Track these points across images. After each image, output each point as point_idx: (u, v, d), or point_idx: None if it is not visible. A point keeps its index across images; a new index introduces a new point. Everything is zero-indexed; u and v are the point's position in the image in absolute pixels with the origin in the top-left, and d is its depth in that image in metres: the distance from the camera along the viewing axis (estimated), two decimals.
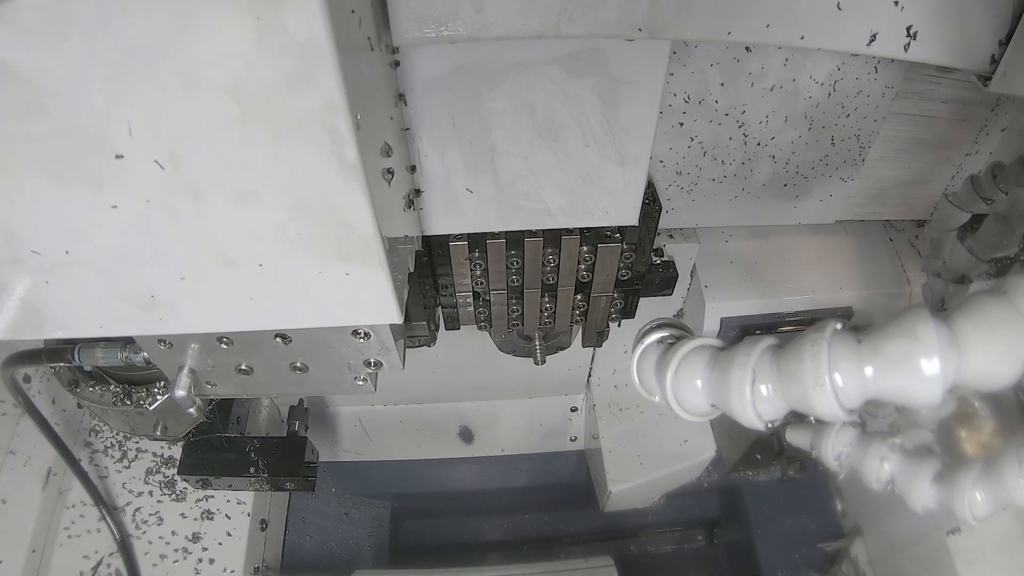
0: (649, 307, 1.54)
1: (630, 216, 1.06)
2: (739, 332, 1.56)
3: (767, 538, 1.97)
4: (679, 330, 0.89)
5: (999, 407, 1.46)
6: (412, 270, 0.89)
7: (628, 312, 1.37)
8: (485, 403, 2.01)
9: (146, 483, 1.56)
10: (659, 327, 0.89)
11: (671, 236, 1.48)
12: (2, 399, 1.46)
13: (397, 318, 0.76)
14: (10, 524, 1.39)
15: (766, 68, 1.21)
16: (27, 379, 1.41)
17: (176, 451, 1.60)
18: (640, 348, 0.88)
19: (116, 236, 0.63)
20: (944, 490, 0.93)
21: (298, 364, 0.95)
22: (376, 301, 0.73)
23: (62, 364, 1.11)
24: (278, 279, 0.69)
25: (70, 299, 0.70)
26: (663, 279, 1.43)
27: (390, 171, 0.73)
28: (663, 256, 1.46)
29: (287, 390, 1.01)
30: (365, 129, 0.60)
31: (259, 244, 0.65)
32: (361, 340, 0.90)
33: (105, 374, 1.20)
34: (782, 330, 1.56)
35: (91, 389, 1.19)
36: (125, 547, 1.47)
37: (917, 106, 1.34)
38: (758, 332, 1.55)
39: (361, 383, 0.99)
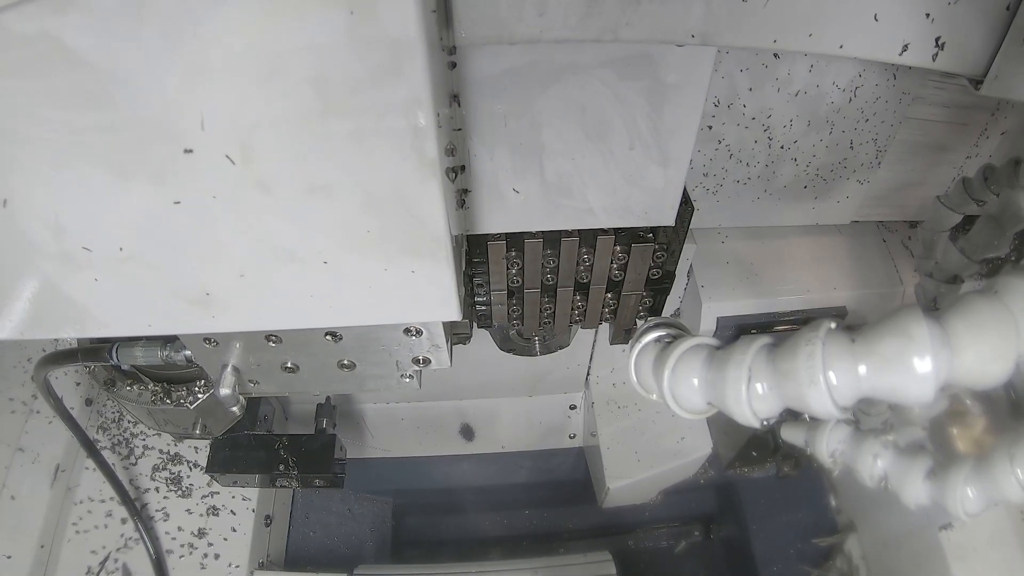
0: None
1: (667, 216, 1.07)
2: (735, 331, 1.58)
3: (762, 534, 1.98)
4: (676, 329, 0.89)
5: (990, 405, 1.48)
6: (464, 268, 0.88)
7: (656, 310, 1.37)
8: (485, 401, 2.02)
9: (152, 479, 1.58)
10: (656, 326, 0.89)
11: None
12: (11, 397, 1.48)
13: (457, 315, 0.75)
14: (19, 520, 1.40)
15: (792, 74, 1.25)
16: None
17: (182, 448, 1.62)
18: (638, 347, 0.88)
19: (176, 232, 0.61)
20: (936, 486, 0.93)
21: (346, 362, 0.94)
22: (438, 298, 0.72)
23: (98, 363, 1.09)
24: (342, 276, 0.68)
25: (119, 297, 0.68)
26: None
27: (454, 170, 0.72)
28: None
29: (331, 388, 1.00)
30: (441, 126, 0.59)
31: (326, 240, 0.64)
32: (413, 337, 0.90)
33: (142, 373, 1.19)
34: (777, 329, 1.57)
35: (128, 388, 1.17)
36: (159, 563, 1.49)
37: (921, 111, 1.37)
38: (754, 331, 1.57)
39: (407, 380, 0.98)
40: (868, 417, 1.32)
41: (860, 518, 1.89)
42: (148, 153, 0.55)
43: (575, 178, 0.99)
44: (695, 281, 1.55)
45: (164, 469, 1.58)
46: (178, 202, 0.59)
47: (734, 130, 1.34)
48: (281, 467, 1.47)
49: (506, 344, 1.60)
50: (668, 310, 1.66)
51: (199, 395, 1.17)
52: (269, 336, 0.90)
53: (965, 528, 1.48)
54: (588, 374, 1.94)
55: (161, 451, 1.61)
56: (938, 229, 1.25)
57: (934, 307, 1.30)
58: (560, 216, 1.05)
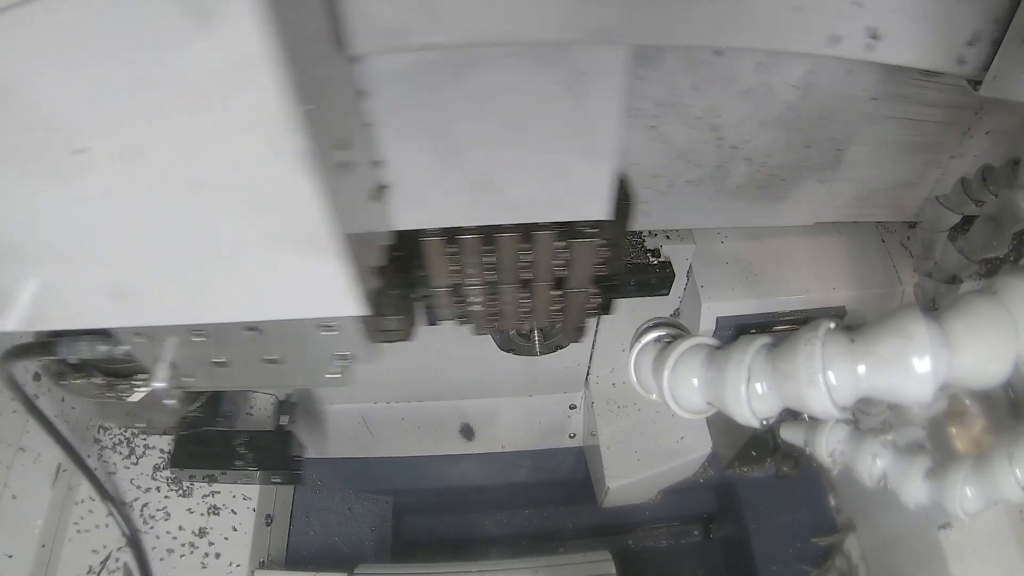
0: (646, 307, 1.56)
1: (600, 210, 1.04)
2: (735, 331, 1.58)
3: (762, 533, 1.98)
4: (676, 329, 0.89)
5: (989, 405, 1.48)
6: (383, 264, 0.88)
7: (606, 308, 1.36)
8: (485, 401, 2.02)
9: (153, 479, 1.58)
10: (656, 326, 0.90)
11: (668, 237, 1.50)
12: (13, 396, 1.48)
13: (360, 311, 0.76)
14: (20, 519, 1.40)
15: (738, 72, 1.19)
16: (37, 376, 1.43)
17: None
18: (637, 347, 0.88)
19: (85, 229, 0.64)
20: (935, 486, 0.94)
21: (271, 357, 0.95)
22: (336, 293, 0.73)
23: (50, 357, 1.10)
24: (240, 271, 0.69)
25: (45, 293, 0.70)
26: (660, 279, 1.44)
27: (348, 164, 0.72)
28: (660, 257, 1.47)
29: (263, 383, 1.01)
30: (316, 120, 0.59)
31: (219, 235, 0.66)
32: (330, 333, 0.90)
33: (96, 367, 1.19)
34: (777, 329, 1.57)
35: (76, 381, 1.18)
36: (134, 541, 1.49)
37: (903, 109, 1.34)
38: (753, 331, 1.57)
39: (334, 376, 0.98)
40: (867, 417, 1.33)
41: (859, 517, 1.90)
42: (49, 154, 0.57)
43: (496, 171, 0.97)
44: (694, 281, 1.56)
45: (165, 468, 1.59)
46: (81, 200, 0.61)
47: (680, 130, 1.27)
48: (239, 463, 1.50)
49: (506, 344, 1.60)
50: (667, 310, 1.67)
51: (139, 389, 1.18)
52: (194, 330, 0.90)
53: (964, 527, 1.48)
54: (588, 374, 1.94)
55: (162, 451, 1.61)
56: (937, 229, 1.25)
57: (933, 307, 1.30)
58: (485, 211, 1.03)
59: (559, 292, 1.26)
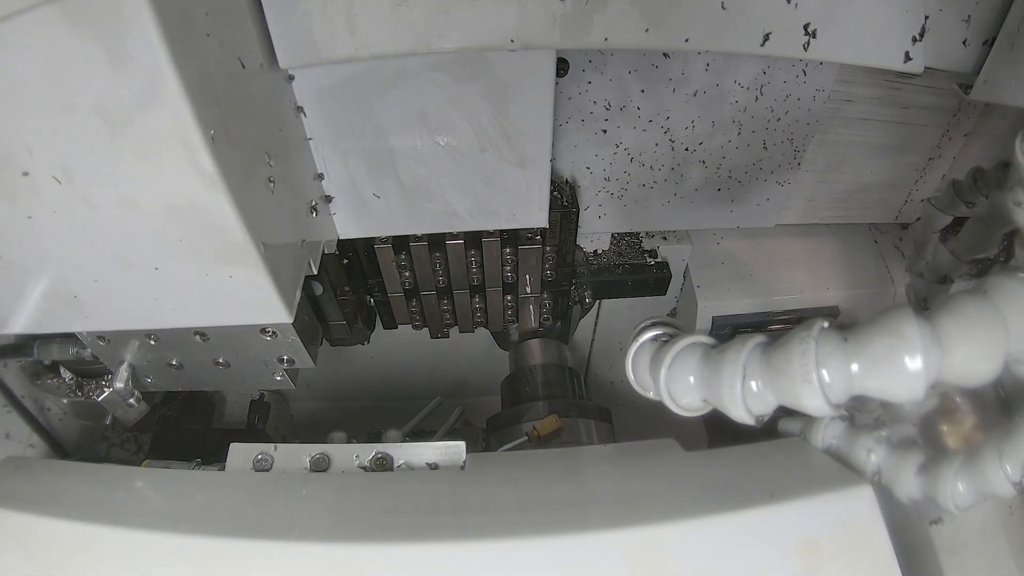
0: (643, 307, 1.57)
1: (537, 218, 1.06)
2: (730, 330, 1.59)
3: None
4: (672, 328, 0.90)
5: (979, 402, 1.49)
6: (315, 272, 0.92)
7: (558, 312, 1.37)
8: (485, 399, 2.03)
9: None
10: (653, 325, 0.90)
11: (664, 238, 1.51)
12: (22, 395, 1.48)
13: (286, 318, 0.80)
14: None
15: (687, 74, 1.17)
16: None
17: None
18: (635, 346, 0.88)
19: (36, 242, 0.70)
20: (928, 481, 0.95)
21: (220, 360, 0.99)
22: (262, 301, 0.77)
23: (24, 358, 1.16)
24: (173, 280, 0.74)
25: (8, 298, 0.77)
26: (657, 280, 1.45)
27: (278, 178, 0.76)
28: (657, 258, 1.48)
29: (216, 385, 1.06)
30: (228, 140, 0.64)
31: (150, 248, 0.71)
32: (269, 338, 0.94)
33: (68, 368, 1.24)
34: (772, 328, 1.58)
35: (50, 381, 1.23)
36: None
37: (879, 111, 1.33)
38: (748, 330, 1.58)
39: (279, 378, 1.02)
40: (861, 414, 1.34)
41: None
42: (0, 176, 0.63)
43: (432, 181, 1.00)
44: (691, 281, 1.56)
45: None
46: (30, 217, 0.66)
47: (631, 133, 1.25)
48: (211, 460, 1.53)
49: (505, 343, 1.61)
50: (664, 310, 1.68)
51: (105, 389, 1.22)
52: (147, 335, 0.94)
53: (955, 523, 1.49)
54: (586, 372, 1.95)
55: None
56: (929, 230, 1.26)
57: (925, 307, 1.31)
58: (426, 220, 1.06)
59: (511, 297, 1.27)
